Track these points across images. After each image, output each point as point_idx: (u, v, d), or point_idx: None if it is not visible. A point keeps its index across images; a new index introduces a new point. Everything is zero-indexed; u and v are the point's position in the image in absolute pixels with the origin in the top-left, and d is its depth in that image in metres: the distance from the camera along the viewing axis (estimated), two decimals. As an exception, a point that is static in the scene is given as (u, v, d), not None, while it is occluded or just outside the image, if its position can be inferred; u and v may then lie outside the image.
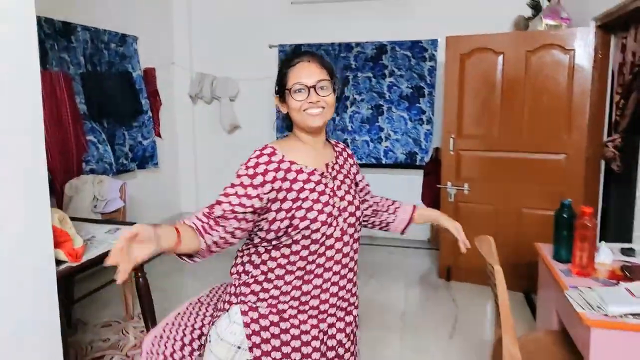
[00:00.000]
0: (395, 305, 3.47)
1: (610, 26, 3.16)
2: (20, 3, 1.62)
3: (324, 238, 1.30)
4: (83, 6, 3.93)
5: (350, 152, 1.56)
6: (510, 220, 3.54)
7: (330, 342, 1.36)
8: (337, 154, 1.48)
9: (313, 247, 1.30)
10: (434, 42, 4.52)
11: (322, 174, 1.36)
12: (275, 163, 1.29)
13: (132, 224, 2.15)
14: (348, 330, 1.40)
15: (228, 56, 5.11)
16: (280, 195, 1.27)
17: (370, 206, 1.63)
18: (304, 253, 1.30)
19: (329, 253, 1.32)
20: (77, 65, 3.82)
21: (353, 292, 1.41)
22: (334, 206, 1.33)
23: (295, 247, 1.29)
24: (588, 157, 3.31)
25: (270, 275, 1.32)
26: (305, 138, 1.38)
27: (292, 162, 1.32)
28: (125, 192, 3.40)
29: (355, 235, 1.40)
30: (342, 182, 1.41)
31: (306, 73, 1.34)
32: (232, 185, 1.26)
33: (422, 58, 4.59)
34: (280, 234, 1.28)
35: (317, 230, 1.28)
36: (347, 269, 1.37)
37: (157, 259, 3.60)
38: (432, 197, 4.41)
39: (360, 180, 1.58)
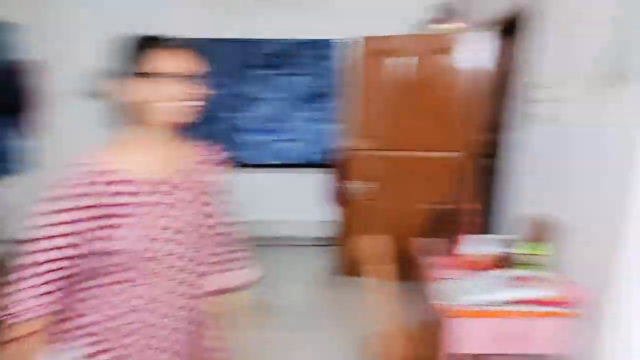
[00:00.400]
0: (290, 303, 3.47)
1: (503, 30, 3.37)
2: None
3: (143, 262, 1.09)
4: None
5: (218, 158, 1.31)
6: (409, 216, 3.67)
7: None
8: (198, 159, 1.25)
9: (131, 273, 1.09)
10: (339, 42, 4.59)
11: (155, 184, 1.12)
12: (96, 176, 1.05)
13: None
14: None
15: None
16: (102, 211, 1.04)
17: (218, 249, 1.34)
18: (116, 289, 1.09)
19: (150, 280, 1.11)
20: None
21: (189, 320, 1.21)
22: (160, 226, 1.11)
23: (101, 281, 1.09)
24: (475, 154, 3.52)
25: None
26: (153, 135, 1.13)
27: (115, 172, 1.07)
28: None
29: (189, 255, 1.17)
30: (191, 194, 1.18)
31: (175, 57, 1.10)
32: (42, 225, 1.01)
33: (327, 57, 4.64)
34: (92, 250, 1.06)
35: (132, 251, 1.07)
36: (176, 295, 1.16)
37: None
38: (336, 195, 4.48)
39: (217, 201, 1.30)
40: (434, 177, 3.60)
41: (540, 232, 2.00)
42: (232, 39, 4.71)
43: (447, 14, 3.81)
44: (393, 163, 3.70)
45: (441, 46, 3.52)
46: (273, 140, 4.75)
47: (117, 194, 1.06)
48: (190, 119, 1.13)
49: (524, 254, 1.93)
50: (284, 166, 4.81)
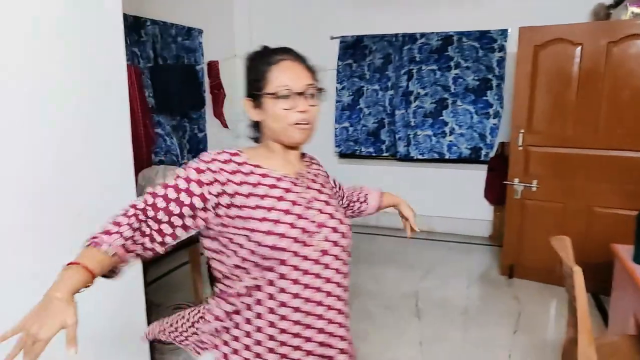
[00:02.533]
0: (455, 301, 3.39)
1: None
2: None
3: (297, 259, 1.07)
4: (152, 0, 4.05)
5: (318, 161, 1.36)
6: (580, 219, 3.37)
7: None
8: (308, 163, 1.28)
9: (283, 270, 1.06)
10: (503, 33, 4.33)
11: (293, 182, 1.14)
12: (235, 164, 1.10)
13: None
14: None
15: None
16: (237, 201, 1.06)
17: (347, 197, 1.55)
18: (277, 281, 1.07)
19: (305, 279, 1.08)
20: (146, 59, 3.96)
21: (343, 324, 1.16)
22: (309, 220, 1.10)
23: (262, 274, 1.07)
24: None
25: (244, 314, 1.11)
26: (278, 149, 1.16)
27: (256, 166, 1.12)
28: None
29: (343, 256, 1.15)
30: (320, 191, 1.19)
31: (292, 75, 1.11)
32: (176, 177, 1.05)
33: (490, 49, 4.40)
34: (242, 254, 1.06)
35: (285, 249, 1.05)
36: (332, 298, 1.12)
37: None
38: (496, 193, 4.26)
39: (334, 181, 1.46)
40: (617, 177, 3.23)
41: None
42: (393, 35, 4.70)
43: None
44: (564, 160, 3.40)
45: (633, 32, 3.12)
46: (433, 134, 4.67)
47: (256, 184, 1.08)
48: (308, 137, 1.15)
49: None
50: (443, 161, 4.71)
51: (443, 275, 3.85)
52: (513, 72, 3.63)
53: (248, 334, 1.10)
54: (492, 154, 4.50)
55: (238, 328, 1.12)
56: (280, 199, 1.09)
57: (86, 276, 0.89)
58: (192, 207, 1.02)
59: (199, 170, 1.05)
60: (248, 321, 1.10)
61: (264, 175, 1.11)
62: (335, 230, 1.13)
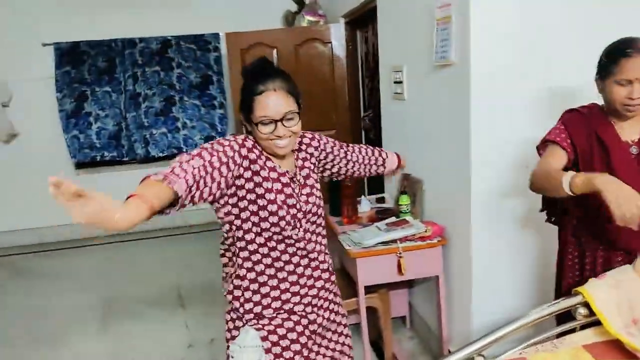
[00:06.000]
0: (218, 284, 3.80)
1: (354, 22, 3.93)
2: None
3: (290, 239, 1.37)
4: None
5: (313, 138, 1.53)
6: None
7: (313, 327, 1.47)
8: (299, 151, 1.48)
9: (280, 247, 1.37)
10: (216, 36, 4.85)
11: (291, 178, 1.40)
12: (255, 154, 1.32)
13: None
14: (332, 317, 1.54)
15: (-6, 57, 4.61)
16: (249, 185, 1.30)
17: (355, 162, 1.66)
18: (274, 254, 1.37)
19: (300, 253, 1.40)
20: None
21: (332, 281, 1.52)
22: (298, 209, 1.38)
23: (263, 250, 1.36)
24: (352, 130, 4.11)
25: (253, 285, 1.38)
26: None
27: (267, 159, 1.35)
28: None
29: (320, 230, 1.48)
30: (306, 179, 1.45)
31: (273, 105, 1.29)
32: (211, 145, 1.24)
33: (207, 50, 4.88)
34: (248, 226, 1.32)
35: (281, 232, 1.34)
36: (317, 262, 1.45)
37: None
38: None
39: (333, 155, 1.58)
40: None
41: (408, 187, 2.61)
42: (112, 40, 4.74)
43: (309, 8, 4.28)
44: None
45: (311, 37, 4.00)
46: (167, 131, 4.91)
47: (267, 178, 1.33)
48: (293, 146, 1.39)
49: (400, 205, 2.51)
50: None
51: (203, 264, 4.18)
52: (228, 71, 4.17)
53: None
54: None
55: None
56: (279, 191, 1.34)
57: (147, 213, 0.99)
58: (220, 170, 1.21)
59: (230, 147, 1.26)
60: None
61: (272, 169, 1.35)
62: (315, 214, 1.44)
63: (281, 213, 1.33)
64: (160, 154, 4.93)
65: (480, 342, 1.42)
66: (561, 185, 1.38)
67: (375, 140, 3.87)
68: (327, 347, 1.55)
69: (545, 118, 1.79)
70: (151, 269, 4.17)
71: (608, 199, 1.26)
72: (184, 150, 4.95)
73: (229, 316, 1.45)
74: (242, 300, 1.39)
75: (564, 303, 1.55)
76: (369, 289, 2.33)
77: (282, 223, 1.34)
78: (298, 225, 1.38)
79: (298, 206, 1.38)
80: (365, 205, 2.72)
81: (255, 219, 1.33)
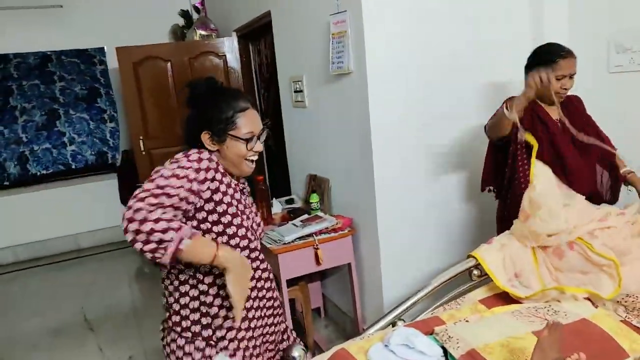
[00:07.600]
0: (123, 304, 3.68)
1: (247, 36, 4.09)
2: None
3: (246, 252, 1.36)
4: None
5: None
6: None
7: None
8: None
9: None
10: (100, 50, 4.69)
11: (242, 190, 1.43)
12: (214, 163, 1.29)
13: None
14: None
15: None
16: (216, 197, 1.28)
17: None
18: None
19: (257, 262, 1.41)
20: None
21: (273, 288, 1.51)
22: (252, 220, 1.40)
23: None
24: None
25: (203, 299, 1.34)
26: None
27: (225, 170, 1.33)
28: None
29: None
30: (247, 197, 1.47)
31: (257, 121, 1.34)
32: (175, 176, 1.21)
33: (91, 63, 4.70)
34: (224, 240, 1.30)
35: (248, 244, 1.36)
36: (267, 271, 1.47)
37: None
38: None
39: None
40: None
41: (315, 187, 2.84)
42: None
43: (201, 22, 4.35)
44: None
45: (204, 50, 4.09)
46: (52, 146, 4.63)
47: (225, 193, 1.30)
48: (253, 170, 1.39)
49: (310, 203, 2.72)
50: (72, 172, 4.73)
51: (104, 286, 4.05)
52: (120, 85, 4.07)
53: None
54: (118, 158, 4.87)
55: None
56: (238, 202, 1.35)
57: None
58: (186, 200, 1.24)
59: (195, 170, 1.25)
60: None
61: (228, 185, 1.33)
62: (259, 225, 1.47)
63: (246, 224, 1.36)
64: (44, 172, 4.60)
65: (392, 314, 1.71)
66: (503, 113, 1.79)
67: (275, 147, 4.06)
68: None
69: (443, 106, 2.30)
70: (49, 298, 3.89)
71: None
72: (72, 167, 4.68)
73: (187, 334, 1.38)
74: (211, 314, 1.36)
75: (460, 267, 1.87)
76: (290, 283, 2.50)
77: (249, 234, 1.37)
78: (253, 238, 1.41)
79: (251, 216, 1.43)
80: (277, 207, 2.89)
81: (224, 237, 1.33)
